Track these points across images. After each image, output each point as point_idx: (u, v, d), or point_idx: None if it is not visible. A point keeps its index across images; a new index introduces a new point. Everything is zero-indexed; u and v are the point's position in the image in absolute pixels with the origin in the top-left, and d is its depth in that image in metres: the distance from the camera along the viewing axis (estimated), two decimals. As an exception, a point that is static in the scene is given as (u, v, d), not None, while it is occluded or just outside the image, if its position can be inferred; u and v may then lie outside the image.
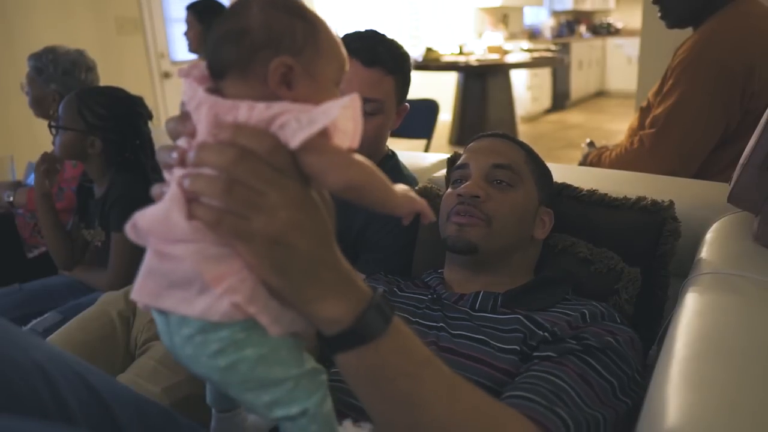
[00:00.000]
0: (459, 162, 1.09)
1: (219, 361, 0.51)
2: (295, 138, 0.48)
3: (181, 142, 0.53)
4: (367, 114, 1.21)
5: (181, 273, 0.50)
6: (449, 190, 1.08)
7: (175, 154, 0.51)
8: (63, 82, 2.01)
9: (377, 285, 1.09)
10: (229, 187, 0.48)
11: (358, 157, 0.53)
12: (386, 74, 1.21)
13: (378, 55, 1.19)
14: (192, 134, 0.52)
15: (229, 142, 0.49)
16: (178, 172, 0.51)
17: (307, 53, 0.53)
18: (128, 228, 0.52)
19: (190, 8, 2.77)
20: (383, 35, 1.25)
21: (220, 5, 2.78)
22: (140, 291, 0.52)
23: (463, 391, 0.60)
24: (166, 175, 0.53)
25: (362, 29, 1.26)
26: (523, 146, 1.09)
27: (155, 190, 0.54)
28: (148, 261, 0.52)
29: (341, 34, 1.27)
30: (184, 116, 0.53)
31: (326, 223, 0.53)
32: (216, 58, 0.54)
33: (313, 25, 0.54)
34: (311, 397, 0.54)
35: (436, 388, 0.58)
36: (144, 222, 0.51)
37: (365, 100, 1.20)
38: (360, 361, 0.55)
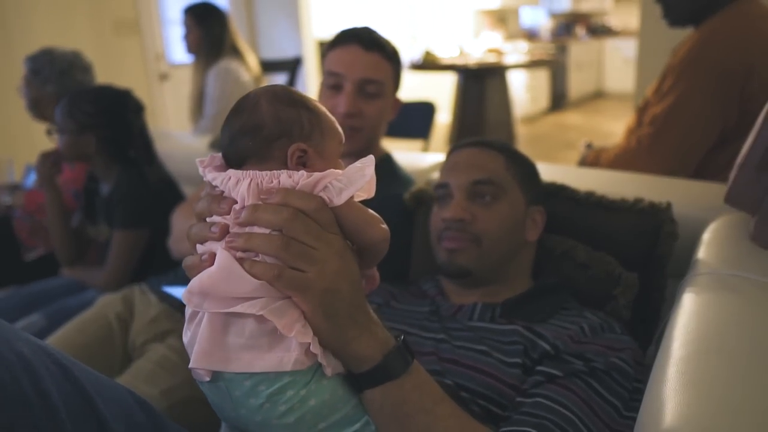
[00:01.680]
0: (440, 180, 1.07)
1: (288, 418, 0.57)
2: (341, 196, 0.57)
3: (215, 220, 0.59)
4: (371, 95, 1.24)
5: (248, 335, 0.55)
6: (435, 209, 1.06)
7: (215, 229, 0.57)
8: (60, 83, 2.01)
9: (374, 300, 1.09)
10: (286, 243, 0.55)
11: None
12: (385, 59, 1.24)
13: (376, 40, 1.24)
14: (227, 212, 0.58)
15: (280, 203, 0.56)
16: (213, 245, 0.58)
17: (315, 137, 0.61)
18: (185, 296, 0.57)
19: (188, 11, 2.77)
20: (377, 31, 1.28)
21: (218, 8, 2.78)
22: (206, 360, 0.55)
23: (473, 430, 0.66)
24: (199, 248, 0.60)
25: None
26: (502, 150, 1.06)
27: (192, 261, 0.59)
28: (208, 332, 0.56)
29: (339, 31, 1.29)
30: (217, 198, 0.59)
31: (357, 270, 0.61)
32: (234, 150, 0.61)
33: (315, 112, 0.62)
34: (365, 412, 0.61)
35: (450, 424, 0.63)
36: (204, 285, 0.55)
37: (368, 81, 1.23)
38: (384, 397, 0.60)
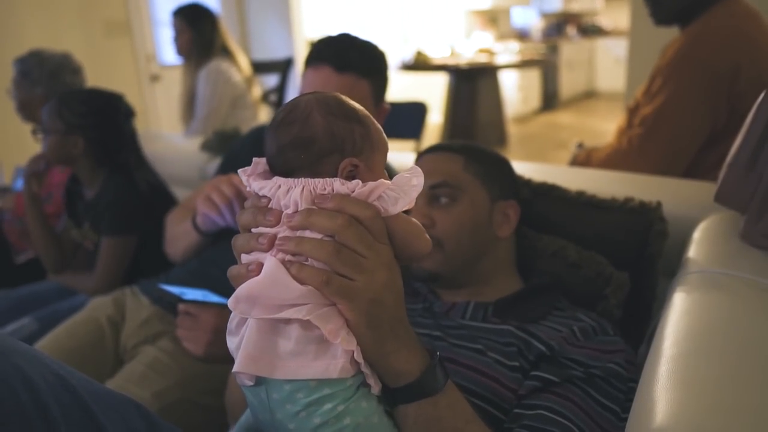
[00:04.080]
0: None
1: None
2: (396, 206, 0.57)
3: (261, 231, 0.58)
4: None
5: (294, 342, 0.55)
6: None
7: (263, 240, 0.57)
8: (49, 85, 2.00)
9: None
10: (338, 249, 0.55)
11: None
12: (360, 78, 1.19)
13: (350, 60, 1.17)
14: (274, 224, 0.57)
15: (336, 209, 0.56)
16: (259, 255, 0.57)
17: (366, 151, 0.61)
18: (231, 303, 0.57)
19: (178, 13, 2.75)
20: (356, 38, 1.22)
21: (207, 9, 2.77)
22: (252, 365, 0.55)
23: None
24: (244, 257, 0.59)
25: (335, 33, 1.24)
26: (461, 151, 1.05)
27: (237, 270, 0.58)
28: (255, 338, 0.56)
29: (317, 40, 1.24)
30: (263, 209, 0.59)
31: (401, 283, 0.61)
32: (283, 161, 0.60)
33: (366, 125, 0.62)
34: None
35: None
36: (252, 291, 0.55)
37: None
38: (418, 413, 0.60)
